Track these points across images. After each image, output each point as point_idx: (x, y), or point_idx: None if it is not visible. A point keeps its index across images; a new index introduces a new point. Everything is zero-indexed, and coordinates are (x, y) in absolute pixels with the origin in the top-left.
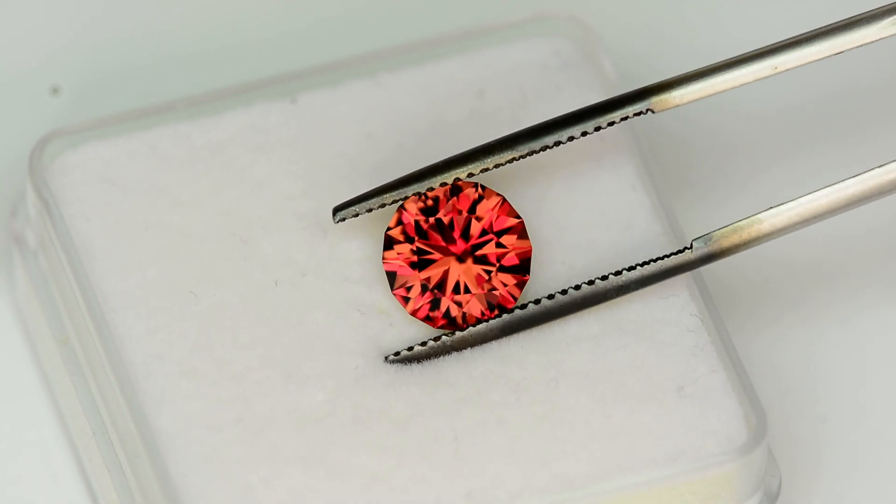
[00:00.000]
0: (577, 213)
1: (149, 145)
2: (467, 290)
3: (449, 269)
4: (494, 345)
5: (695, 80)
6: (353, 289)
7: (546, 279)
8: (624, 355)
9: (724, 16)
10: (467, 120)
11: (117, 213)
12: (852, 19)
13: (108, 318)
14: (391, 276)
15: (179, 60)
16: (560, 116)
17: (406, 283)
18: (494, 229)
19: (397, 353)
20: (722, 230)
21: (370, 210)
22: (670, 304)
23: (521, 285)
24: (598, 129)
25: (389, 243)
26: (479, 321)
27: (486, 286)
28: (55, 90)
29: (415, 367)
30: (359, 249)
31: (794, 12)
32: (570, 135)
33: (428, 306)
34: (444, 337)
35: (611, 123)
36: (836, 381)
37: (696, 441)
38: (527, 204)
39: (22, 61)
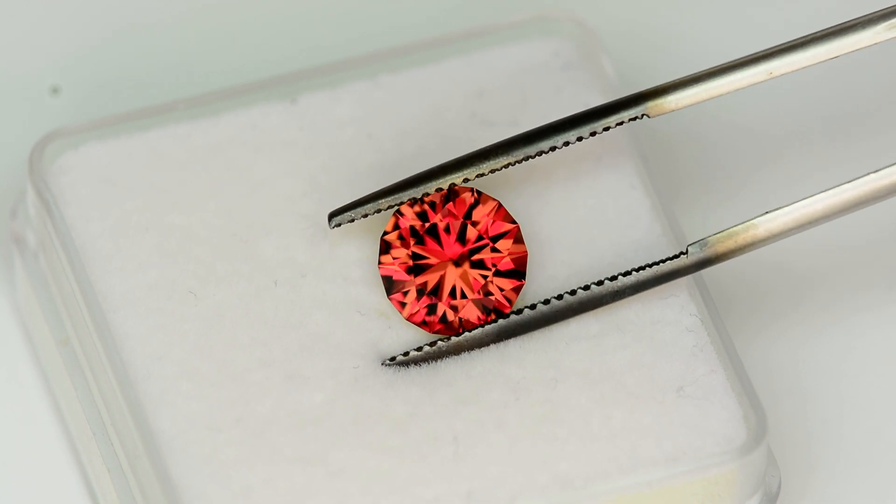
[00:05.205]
0: (576, 212)
1: (149, 146)
2: (463, 295)
3: (445, 273)
4: (493, 344)
5: (690, 84)
6: (352, 290)
7: (545, 278)
8: (623, 355)
9: (723, 15)
10: (467, 120)
11: (117, 214)
12: (847, 24)
13: (108, 318)
14: (387, 282)
15: (179, 60)
16: (556, 122)
17: (402, 288)
18: (490, 234)
19: (393, 358)
20: (717, 235)
21: (366, 215)
22: (670, 304)
23: (517, 290)
24: (593, 133)
25: (386, 248)
26: (475, 326)
27: (482, 291)
28: (55, 90)
29: (414, 367)
30: (359, 250)
31: (789, 17)
32: (565, 140)
33: (424, 311)
34: (440, 342)
35: (606, 128)
36: (836, 382)
37: (695, 441)
38: (526, 202)
39: (22, 61)
